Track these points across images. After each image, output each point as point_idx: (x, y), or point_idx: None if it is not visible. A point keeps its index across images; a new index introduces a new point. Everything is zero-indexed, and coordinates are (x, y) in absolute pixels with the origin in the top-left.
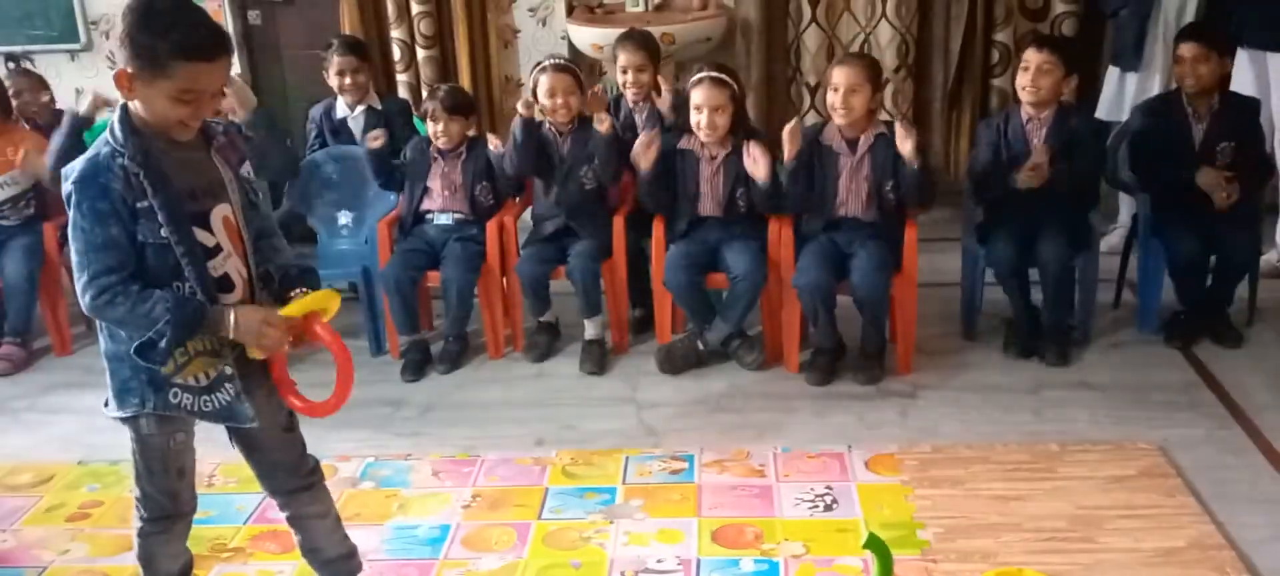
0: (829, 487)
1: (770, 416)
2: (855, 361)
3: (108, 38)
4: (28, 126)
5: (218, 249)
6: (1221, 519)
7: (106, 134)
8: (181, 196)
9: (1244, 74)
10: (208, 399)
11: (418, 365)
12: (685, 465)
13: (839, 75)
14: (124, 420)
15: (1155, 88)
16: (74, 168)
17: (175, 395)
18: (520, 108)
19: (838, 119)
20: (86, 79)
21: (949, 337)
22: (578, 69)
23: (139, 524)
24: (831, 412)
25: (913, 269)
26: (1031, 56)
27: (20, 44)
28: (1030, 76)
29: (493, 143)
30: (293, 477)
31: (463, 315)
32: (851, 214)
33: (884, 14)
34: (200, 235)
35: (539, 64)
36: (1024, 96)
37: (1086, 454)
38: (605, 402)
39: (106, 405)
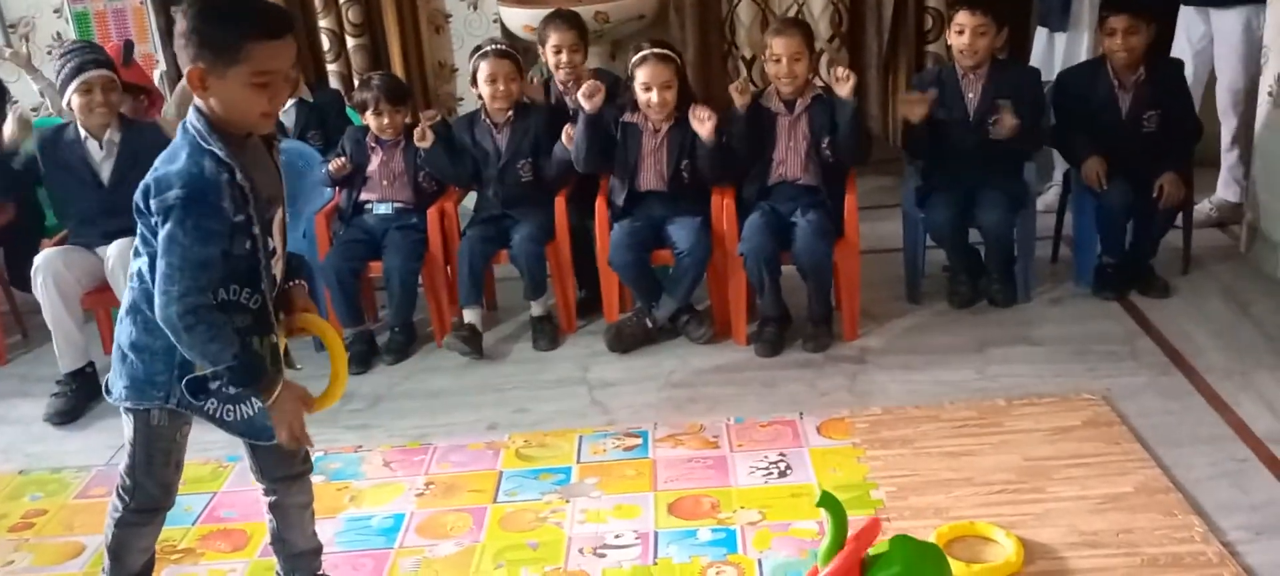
0: (782, 454)
1: (722, 389)
2: (803, 329)
3: (27, 41)
4: None
5: (274, 251)
6: (1166, 462)
7: (191, 145)
8: (263, 204)
9: (1183, 34)
10: (232, 409)
11: (364, 356)
12: (639, 441)
13: (780, 44)
14: (134, 410)
15: (1083, 47)
16: (175, 178)
17: (201, 398)
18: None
19: (783, 88)
20: (12, 85)
21: (894, 302)
22: (517, 54)
23: (119, 513)
24: (782, 382)
25: (854, 234)
26: (965, 18)
27: None
28: (966, 39)
29: (427, 116)
30: (286, 465)
31: (407, 304)
32: (790, 176)
33: None
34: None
35: (479, 48)
36: (961, 60)
37: (1032, 407)
38: (556, 384)
39: (108, 393)
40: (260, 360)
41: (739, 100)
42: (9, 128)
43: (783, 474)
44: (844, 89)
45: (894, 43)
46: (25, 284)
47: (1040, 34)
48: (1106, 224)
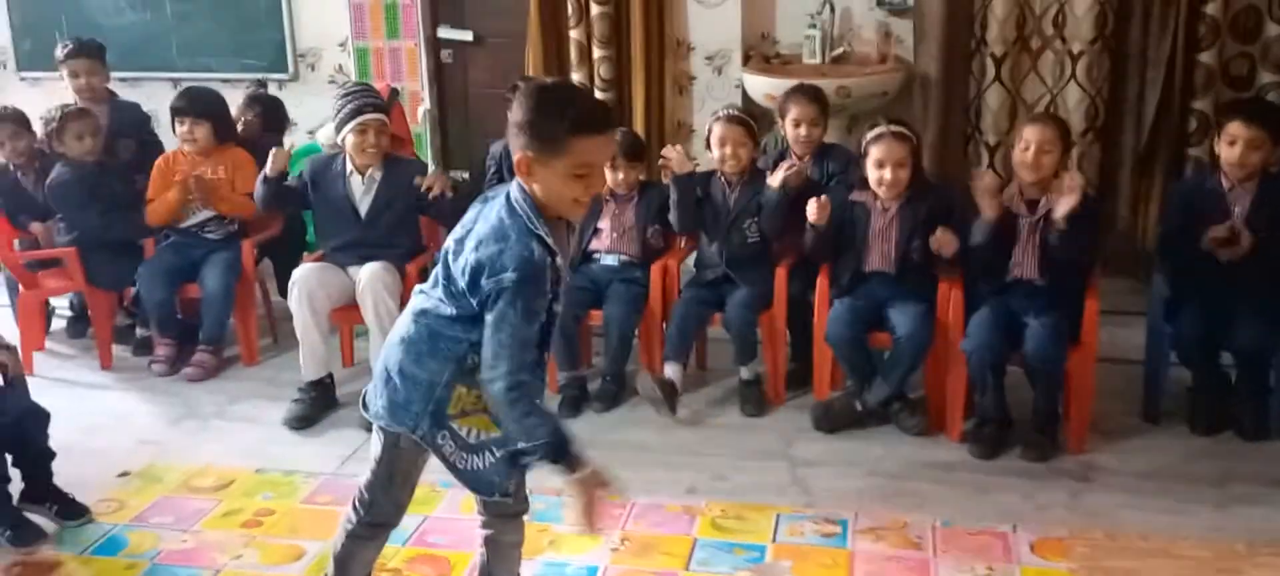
0: (990, 569)
1: (930, 486)
2: (1024, 435)
3: (313, 69)
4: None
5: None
6: None
7: (519, 227)
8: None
9: None
10: (465, 457)
11: (575, 401)
12: (838, 529)
13: (1032, 132)
14: (386, 431)
15: None
16: (510, 261)
17: (443, 438)
18: (674, 166)
19: (1026, 176)
20: (293, 106)
21: (1127, 417)
22: (751, 121)
23: (352, 524)
24: (996, 488)
25: (1092, 340)
26: (1238, 130)
27: (235, 72)
28: (1238, 151)
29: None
30: (512, 502)
31: (622, 355)
32: (1026, 276)
33: (1073, 75)
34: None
35: (716, 113)
36: (1229, 172)
37: (1278, 557)
38: (759, 455)
39: (365, 408)
40: (572, 439)
41: (989, 207)
42: (273, 160)
43: None
44: (1060, 208)
45: (1153, 143)
46: (284, 292)
47: None
48: None
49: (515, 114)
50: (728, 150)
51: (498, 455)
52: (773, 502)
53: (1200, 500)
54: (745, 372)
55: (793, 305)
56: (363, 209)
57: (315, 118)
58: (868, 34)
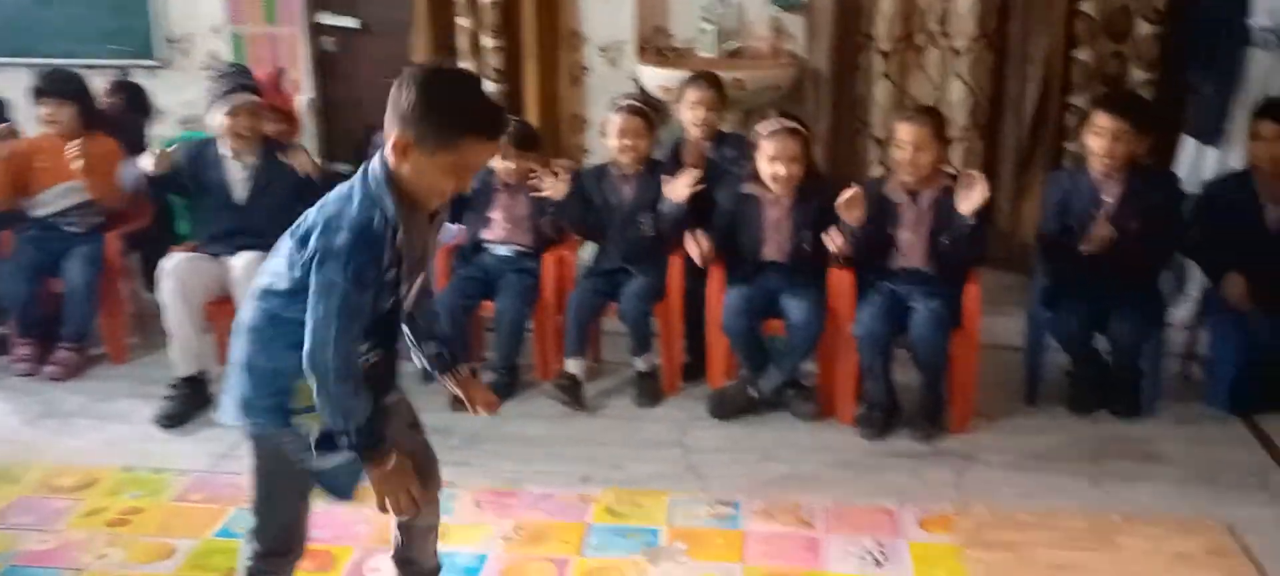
0: (879, 544)
1: (821, 469)
2: (911, 418)
3: (186, 55)
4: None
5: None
6: None
7: (365, 195)
8: (413, 267)
9: None
10: (308, 457)
11: None
12: (732, 511)
13: (906, 132)
14: (252, 436)
15: (1235, 163)
16: (346, 223)
17: (287, 437)
18: (553, 194)
19: (904, 176)
20: (163, 94)
21: (1009, 400)
22: (651, 113)
23: (246, 561)
24: (884, 468)
25: (974, 326)
26: (1104, 122)
27: (102, 59)
28: (1104, 144)
29: (561, 167)
30: (425, 483)
31: (514, 347)
32: (911, 265)
33: (956, 72)
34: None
35: (615, 102)
36: (1096, 164)
37: (1149, 527)
38: (653, 444)
39: (220, 413)
40: (381, 433)
41: (851, 216)
42: (150, 161)
43: (877, 564)
44: (967, 204)
45: (1033, 138)
46: (153, 286)
47: (1188, 144)
48: (1248, 338)
49: (404, 97)
50: (626, 141)
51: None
52: (668, 488)
53: (1077, 476)
54: (640, 364)
55: (687, 296)
56: (240, 194)
57: (189, 107)
58: (761, 29)
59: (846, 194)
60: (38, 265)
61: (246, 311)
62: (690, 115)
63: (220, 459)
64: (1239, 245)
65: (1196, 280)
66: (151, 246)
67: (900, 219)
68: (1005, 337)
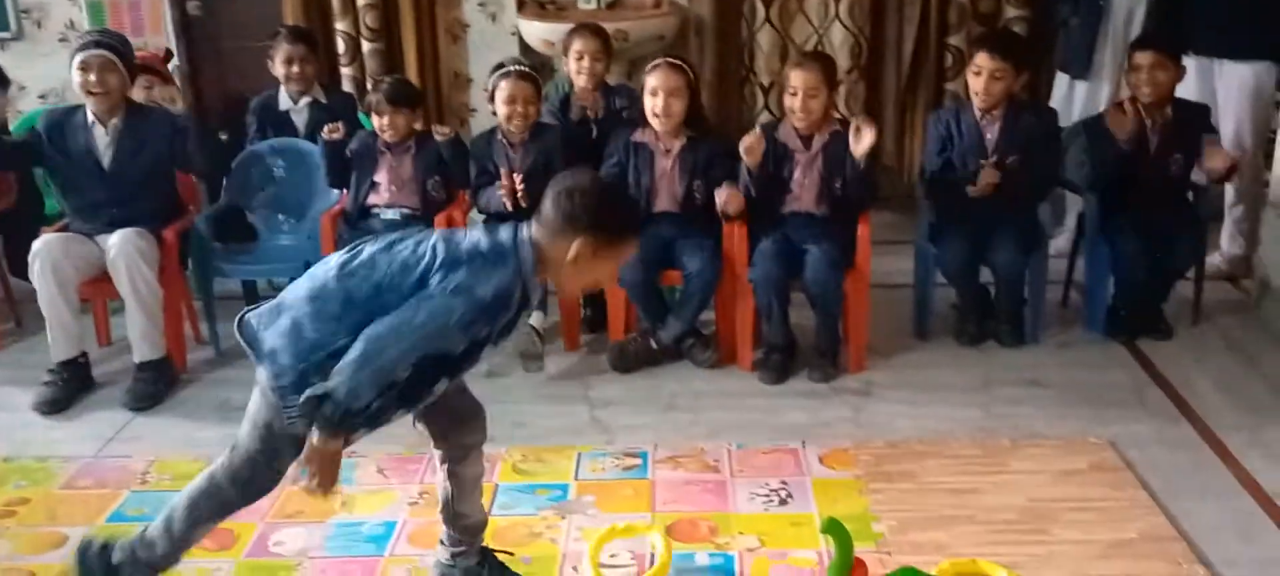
0: (784, 482)
1: (724, 414)
2: (808, 359)
3: (40, 26)
4: None
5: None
6: (1172, 512)
7: (516, 269)
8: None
9: (1189, 83)
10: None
11: None
12: (639, 461)
13: (797, 77)
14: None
15: (1104, 96)
16: (491, 285)
17: (289, 405)
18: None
19: (797, 122)
20: (18, 68)
21: (901, 337)
22: (538, 77)
23: (216, 491)
24: (786, 410)
25: (866, 266)
26: (983, 61)
27: None
28: (983, 82)
29: (440, 133)
30: (470, 434)
31: None
32: (804, 209)
33: (837, 15)
34: None
35: (500, 68)
36: (976, 101)
37: (1037, 448)
38: (556, 400)
39: (244, 333)
40: (359, 423)
41: (749, 160)
42: None
43: (783, 502)
44: (859, 148)
45: (914, 78)
46: (23, 270)
47: (1060, 80)
48: (1125, 272)
49: (579, 204)
50: (517, 108)
51: None
52: (573, 443)
53: (968, 405)
54: (532, 320)
55: None
56: (106, 160)
57: (45, 80)
58: None
59: (748, 138)
60: None
61: (322, 277)
62: (576, 66)
63: (107, 443)
64: (1119, 172)
65: (1073, 210)
66: (19, 229)
67: (794, 163)
68: (895, 276)
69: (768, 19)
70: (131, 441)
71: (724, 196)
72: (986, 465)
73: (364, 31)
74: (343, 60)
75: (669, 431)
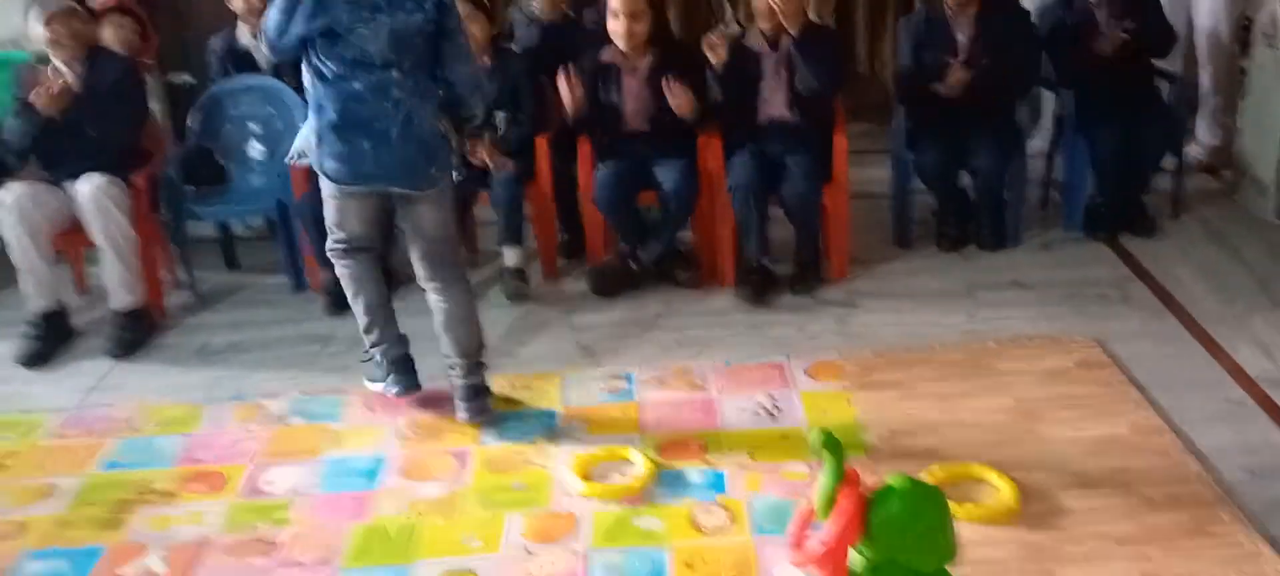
0: (771, 397)
1: (708, 332)
2: (790, 273)
3: None
4: None
5: None
6: (1161, 405)
7: None
8: None
9: None
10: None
11: (341, 299)
12: (625, 384)
13: None
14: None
15: None
16: None
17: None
18: None
19: (763, 24)
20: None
21: (882, 246)
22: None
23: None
24: (769, 325)
25: (843, 175)
26: None
27: None
28: None
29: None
30: (439, 269)
31: (385, 245)
32: (777, 115)
33: None
34: None
35: None
36: (949, 4)
37: (1023, 350)
38: (540, 327)
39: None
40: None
41: (714, 59)
42: None
43: (771, 416)
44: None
45: None
46: None
47: None
48: (1103, 163)
49: None
50: (474, 31)
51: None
52: (559, 369)
53: (952, 310)
54: (509, 258)
55: (557, 176)
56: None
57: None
58: None
59: (710, 35)
60: None
61: (402, 95)
62: None
63: (89, 392)
64: (1081, 48)
65: (1050, 111)
66: None
67: (763, 70)
68: (873, 186)
69: None
70: (114, 389)
71: (675, 95)
72: (973, 369)
73: None
74: None
75: (654, 352)
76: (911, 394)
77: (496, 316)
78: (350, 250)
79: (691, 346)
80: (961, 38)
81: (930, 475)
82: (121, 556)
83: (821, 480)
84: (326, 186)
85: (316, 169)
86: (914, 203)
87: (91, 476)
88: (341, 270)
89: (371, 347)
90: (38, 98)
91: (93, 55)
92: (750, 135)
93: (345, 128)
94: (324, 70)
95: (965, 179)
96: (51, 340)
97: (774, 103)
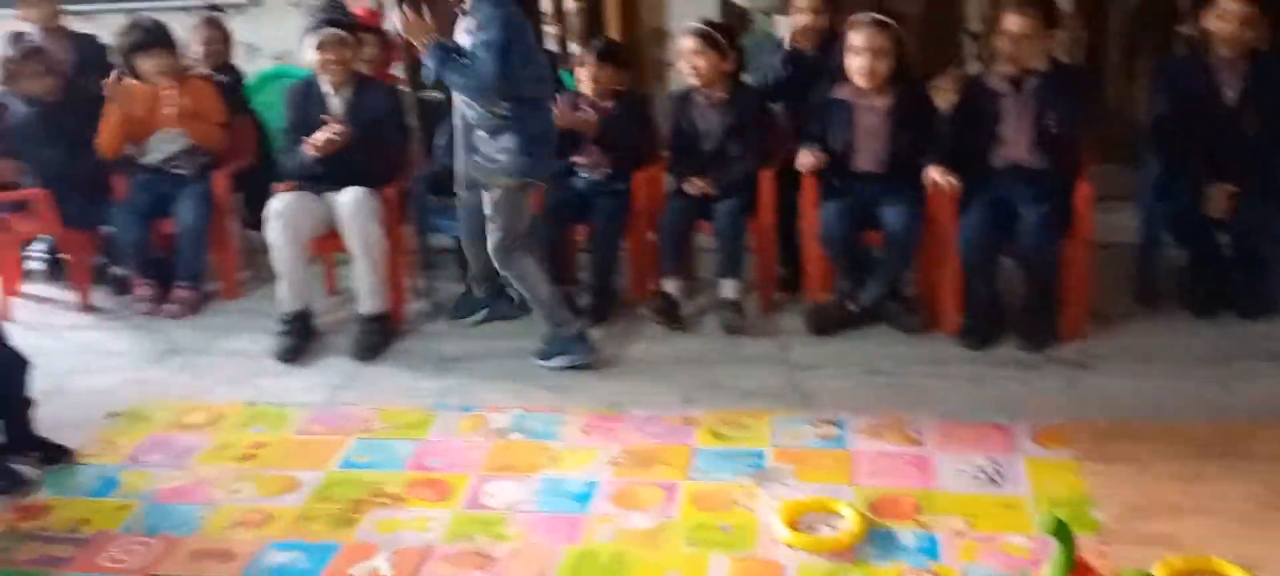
0: (993, 460)
1: (927, 381)
2: (1019, 325)
3: None
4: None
5: None
6: None
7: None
8: None
9: None
10: None
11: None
12: (837, 430)
13: (1013, 22)
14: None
15: None
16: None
17: None
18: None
19: (1007, 66)
20: (255, 32)
21: (1123, 302)
22: (718, 36)
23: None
24: (993, 380)
25: (1086, 226)
26: (1232, 4)
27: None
28: (1231, 27)
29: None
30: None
31: (608, 269)
32: (1016, 159)
33: None
34: None
35: (687, 27)
36: (1220, 49)
37: None
38: (753, 362)
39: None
40: None
41: (941, 101)
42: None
43: (992, 481)
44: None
45: (1141, 21)
46: (256, 223)
47: None
48: None
49: None
50: (700, 63)
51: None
52: (770, 408)
53: (1201, 380)
54: (727, 290)
55: (780, 207)
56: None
57: (277, 43)
58: None
59: (941, 78)
60: (150, 208)
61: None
62: (799, 19)
63: (336, 389)
64: None
65: None
66: (253, 185)
67: (1002, 109)
68: (1117, 235)
69: None
70: (357, 389)
71: (935, 178)
72: (1221, 449)
73: None
74: (547, 20)
75: (868, 398)
76: (1149, 471)
77: (711, 347)
78: (528, 243)
79: (908, 395)
80: (1228, 88)
81: (1166, 566)
82: (354, 555)
83: (1049, 572)
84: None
85: (518, 178)
86: (1163, 257)
87: (331, 473)
88: (528, 264)
89: (558, 327)
90: (309, 147)
91: (360, 83)
92: (985, 179)
93: (550, 137)
94: (526, 94)
95: (1222, 236)
96: (302, 338)
97: (1014, 145)
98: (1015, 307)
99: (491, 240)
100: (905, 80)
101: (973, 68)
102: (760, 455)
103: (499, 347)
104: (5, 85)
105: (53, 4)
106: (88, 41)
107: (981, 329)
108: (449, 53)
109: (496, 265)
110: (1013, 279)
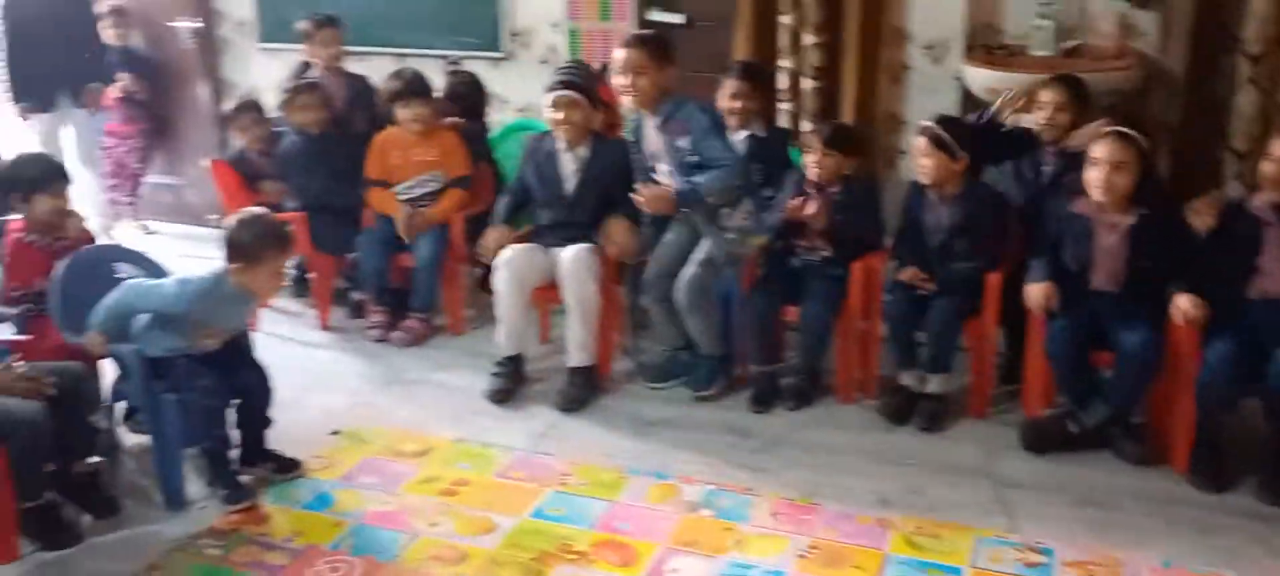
0: None
1: (1148, 520)
2: (1259, 470)
3: (526, 48)
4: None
5: None
6: None
7: None
8: None
9: None
10: None
11: (766, 397)
12: (1044, 559)
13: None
14: None
15: None
16: None
17: None
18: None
19: (1274, 193)
20: (505, 84)
21: None
22: (953, 144)
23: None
24: (1222, 529)
25: None
26: None
27: (452, 49)
28: None
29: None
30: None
31: (817, 352)
32: (1273, 293)
33: None
34: None
35: (922, 126)
36: None
37: None
38: (958, 470)
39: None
40: None
41: (1199, 225)
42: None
43: None
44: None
45: None
46: (486, 268)
47: None
48: None
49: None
50: (927, 162)
51: None
52: (972, 523)
53: None
54: (933, 384)
55: (1006, 311)
56: (569, 187)
57: (523, 96)
58: (1105, 25)
59: (1199, 201)
60: (393, 240)
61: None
62: (1042, 115)
63: (540, 438)
64: None
65: None
66: (483, 228)
67: (1264, 238)
68: None
69: (1252, 78)
70: (558, 440)
71: (1181, 309)
72: None
73: (807, 69)
74: (782, 96)
75: (1081, 529)
76: None
77: (913, 449)
78: None
79: (1125, 533)
80: None
81: None
82: None
83: None
84: None
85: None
86: None
87: (525, 520)
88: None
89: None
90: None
91: (595, 140)
92: (1236, 311)
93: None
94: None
95: None
96: (514, 381)
97: (1272, 277)
98: (1257, 453)
99: (690, 273)
100: (1151, 197)
101: (1233, 189)
102: (958, 572)
103: (699, 417)
104: (281, 111)
105: (339, 46)
106: (359, 81)
107: (1215, 470)
108: (695, 187)
109: (685, 300)
110: (1257, 421)
